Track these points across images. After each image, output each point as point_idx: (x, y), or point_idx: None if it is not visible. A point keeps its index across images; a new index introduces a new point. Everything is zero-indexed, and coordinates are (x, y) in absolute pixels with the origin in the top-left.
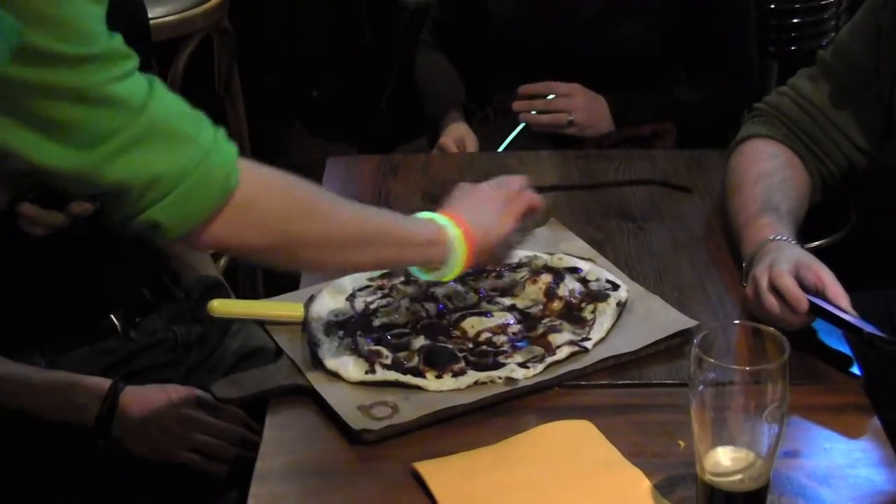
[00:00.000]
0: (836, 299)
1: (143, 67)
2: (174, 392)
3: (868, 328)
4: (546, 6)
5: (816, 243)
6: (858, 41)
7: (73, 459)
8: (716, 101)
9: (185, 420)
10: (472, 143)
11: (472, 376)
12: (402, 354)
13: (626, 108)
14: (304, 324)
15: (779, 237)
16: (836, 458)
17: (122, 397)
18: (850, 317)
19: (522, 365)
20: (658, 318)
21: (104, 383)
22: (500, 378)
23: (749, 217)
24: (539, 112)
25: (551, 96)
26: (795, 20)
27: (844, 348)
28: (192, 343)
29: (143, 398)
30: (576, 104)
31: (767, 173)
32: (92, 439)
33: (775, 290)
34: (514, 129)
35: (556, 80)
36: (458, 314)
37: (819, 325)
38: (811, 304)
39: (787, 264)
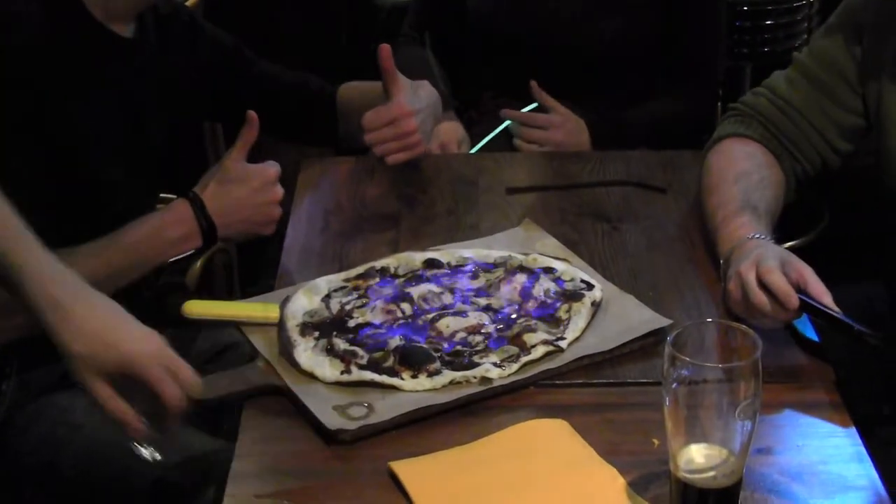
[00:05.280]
0: (818, 297)
1: None
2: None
3: (856, 325)
4: (524, 3)
5: (789, 243)
6: (837, 42)
7: (48, 462)
8: (685, 113)
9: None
10: (463, 142)
11: (447, 376)
12: (377, 354)
13: (605, 132)
14: (280, 324)
15: (757, 236)
16: (809, 454)
17: (206, 202)
18: (839, 314)
19: (498, 365)
20: (632, 318)
21: (181, 205)
22: (475, 378)
23: (727, 215)
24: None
25: (534, 105)
26: (768, 22)
27: (811, 334)
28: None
29: (222, 192)
30: (557, 121)
31: (745, 173)
32: (205, 248)
33: (763, 286)
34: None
35: (536, 77)
36: (433, 314)
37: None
38: (800, 300)
39: (774, 261)
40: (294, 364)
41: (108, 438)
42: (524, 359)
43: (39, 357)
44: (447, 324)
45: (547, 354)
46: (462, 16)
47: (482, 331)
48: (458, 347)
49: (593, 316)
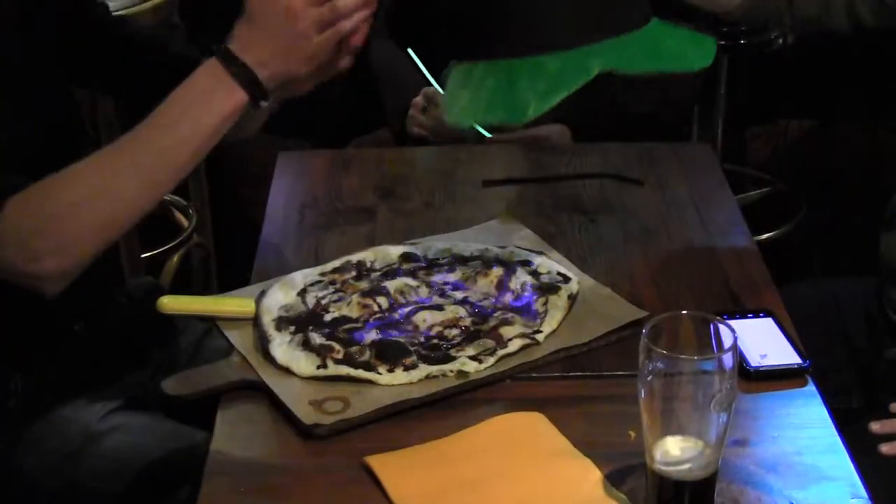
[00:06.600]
0: None
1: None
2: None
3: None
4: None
5: (766, 235)
6: None
7: (67, 479)
8: (662, 109)
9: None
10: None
11: (423, 370)
12: (353, 349)
13: (585, 130)
14: (256, 319)
15: None
16: (784, 445)
17: (234, 48)
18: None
19: (474, 358)
20: (609, 310)
21: (209, 62)
22: (451, 371)
23: None
24: None
25: None
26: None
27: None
28: (153, 345)
29: (247, 33)
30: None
31: None
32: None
33: None
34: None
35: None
36: (409, 308)
37: None
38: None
39: None
40: (270, 359)
41: (123, 445)
42: (501, 352)
43: (44, 370)
44: (424, 318)
45: (523, 347)
46: (437, 15)
47: (459, 324)
48: (435, 341)
49: (570, 309)
